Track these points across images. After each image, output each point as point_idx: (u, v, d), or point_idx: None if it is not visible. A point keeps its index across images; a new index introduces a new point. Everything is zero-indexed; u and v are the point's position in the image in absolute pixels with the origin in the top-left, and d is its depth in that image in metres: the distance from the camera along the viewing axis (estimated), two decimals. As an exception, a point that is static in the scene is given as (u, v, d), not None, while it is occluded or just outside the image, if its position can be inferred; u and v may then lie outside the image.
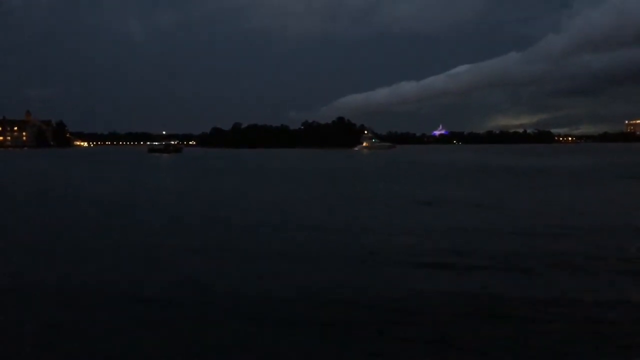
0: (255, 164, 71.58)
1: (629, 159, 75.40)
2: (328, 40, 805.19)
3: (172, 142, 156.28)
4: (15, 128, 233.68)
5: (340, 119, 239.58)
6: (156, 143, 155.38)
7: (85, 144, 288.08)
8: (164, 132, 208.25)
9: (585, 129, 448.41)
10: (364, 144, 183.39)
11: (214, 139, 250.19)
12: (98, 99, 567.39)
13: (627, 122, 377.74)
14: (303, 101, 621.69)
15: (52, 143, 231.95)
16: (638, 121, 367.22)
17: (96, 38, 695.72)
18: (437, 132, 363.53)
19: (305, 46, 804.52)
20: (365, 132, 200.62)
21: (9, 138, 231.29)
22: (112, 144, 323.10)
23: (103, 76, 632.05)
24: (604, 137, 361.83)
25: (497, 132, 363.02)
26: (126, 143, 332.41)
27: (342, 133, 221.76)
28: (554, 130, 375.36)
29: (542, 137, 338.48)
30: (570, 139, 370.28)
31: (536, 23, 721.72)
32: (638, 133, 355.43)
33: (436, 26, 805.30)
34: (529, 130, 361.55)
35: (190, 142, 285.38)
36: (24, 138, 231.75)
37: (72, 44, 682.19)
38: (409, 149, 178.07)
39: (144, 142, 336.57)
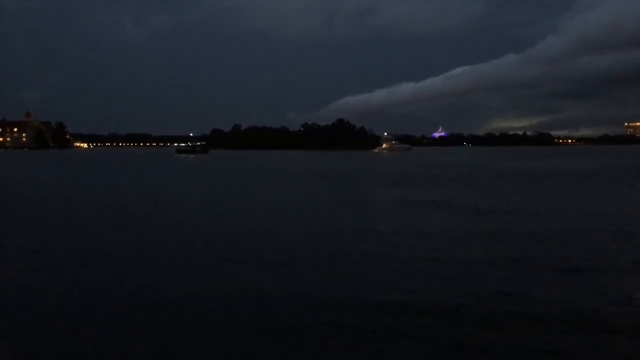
0: (294, 165, 70.42)
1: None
2: (326, 41, 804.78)
3: (198, 144, 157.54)
4: (15, 129, 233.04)
5: (340, 120, 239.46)
6: (183, 144, 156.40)
7: (85, 145, 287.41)
8: (190, 134, 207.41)
9: (584, 131, 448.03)
10: (384, 145, 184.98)
11: (214, 140, 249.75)
12: (97, 101, 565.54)
13: (626, 124, 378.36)
14: (301, 103, 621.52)
15: (51, 144, 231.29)
16: (638, 123, 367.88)
17: (94, 40, 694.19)
18: (436, 134, 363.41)
19: (303, 48, 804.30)
20: (385, 134, 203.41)
21: (8, 139, 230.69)
22: (112, 145, 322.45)
23: (102, 77, 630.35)
24: (604, 140, 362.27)
25: (497, 134, 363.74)
26: (126, 144, 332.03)
27: (343, 134, 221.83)
28: (554, 133, 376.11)
29: (542, 139, 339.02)
30: (569, 141, 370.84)
31: (535, 25, 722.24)
32: (638, 135, 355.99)
33: (434, 28, 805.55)
34: (528, 133, 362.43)
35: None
36: (24, 139, 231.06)
37: (70, 45, 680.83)
38: (424, 151, 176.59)
39: (144, 144, 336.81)
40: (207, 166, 71.95)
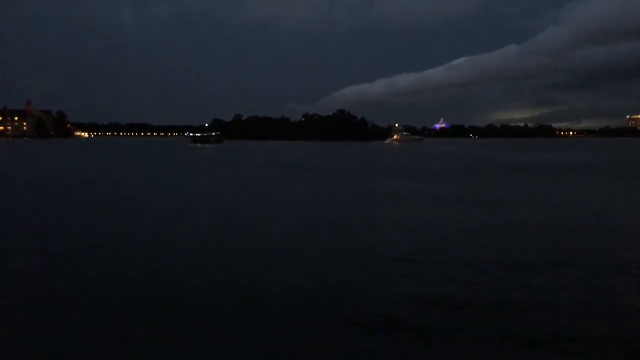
0: (315, 159, 64.16)
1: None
2: (326, 31, 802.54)
3: (213, 134, 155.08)
4: (16, 118, 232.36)
5: (341, 111, 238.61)
6: (198, 134, 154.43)
7: (86, 135, 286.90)
8: (206, 124, 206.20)
9: (586, 124, 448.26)
10: (395, 136, 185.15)
11: (214, 130, 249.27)
12: (97, 90, 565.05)
13: (628, 116, 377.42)
14: (302, 93, 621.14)
15: (52, 133, 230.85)
16: (639, 116, 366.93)
17: (94, 29, 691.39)
18: (438, 126, 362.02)
19: (303, 38, 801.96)
20: (397, 125, 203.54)
21: (9, 128, 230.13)
22: (112, 134, 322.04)
23: (102, 67, 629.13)
24: (605, 132, 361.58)
25: (499, 125, 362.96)
26: (127, 134, 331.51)
27: (344, 125, 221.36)
28: (555, 125, 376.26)
29: (543, 131, 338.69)
30: (571, 133, 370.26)
31: (537, 16, 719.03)
32: (639, 128, 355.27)
33: (435, 18, 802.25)
34: (529, 124, 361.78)
35: (192, 134, 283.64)
36: (25, 128, 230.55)
37: (70, 35, 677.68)
38: (431, 143, 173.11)
39: (145, 133, 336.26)
40: (227, 157, 67.83)
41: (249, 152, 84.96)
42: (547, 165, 48.43)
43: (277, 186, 29.78)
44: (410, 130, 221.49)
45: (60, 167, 45.77)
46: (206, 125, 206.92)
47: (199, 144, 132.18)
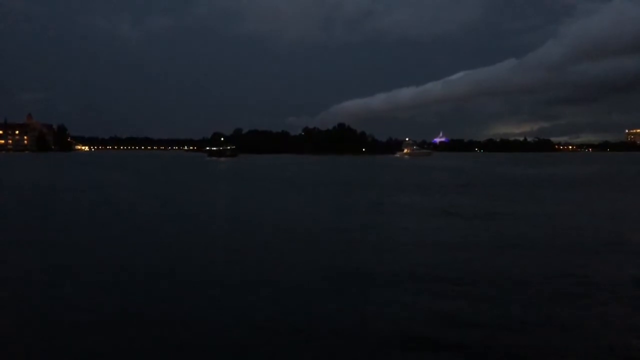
0: (333, 174, 61.51)
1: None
2: (325, 45, 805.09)
3: (228, 147, 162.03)
4: (17, 132, 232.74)
5: (341, 124, 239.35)
6: (214, 148, 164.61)
7: (86, 148, 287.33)
8: (222, 138, 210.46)
9: (585, 138, 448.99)
10: (405, 150, 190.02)
11: (215, 144, 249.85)
12: (98, 103, 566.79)
13: (627, 131, 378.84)
14: (302, 107, 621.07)
15: (53, 147, 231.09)
16: (638, 130, 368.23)
17: (94, 42, 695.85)
18: (437, 140, 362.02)
19: (302, 51, 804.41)
20: (407, 139, 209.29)
21: (10, 142, 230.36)
22: (113, 148, 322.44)
23: (102, 81, 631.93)
24: (605, 146, 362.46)
25: (498, 140, 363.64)
26: (127, 148, 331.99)
27: (344, 139, 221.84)
28: (555, 139, 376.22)
29: (543, 145, 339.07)
30: (570, 147, 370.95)
31: (536, 31, 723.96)
32: (638, 142, 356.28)
33: (434, 32, 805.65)
34: (529, 139, 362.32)
35: (192, 147, 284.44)
36: (25, 142, 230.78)
37: (71, 48, 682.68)
38: (441, 156, 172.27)
39: (145, 147, 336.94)
40: (260, 172, 65.79)
41: (268, 167, 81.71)
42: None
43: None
44: (418, 144, 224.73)
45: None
46: (222, 139, 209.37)
47: (214, 158, 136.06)
